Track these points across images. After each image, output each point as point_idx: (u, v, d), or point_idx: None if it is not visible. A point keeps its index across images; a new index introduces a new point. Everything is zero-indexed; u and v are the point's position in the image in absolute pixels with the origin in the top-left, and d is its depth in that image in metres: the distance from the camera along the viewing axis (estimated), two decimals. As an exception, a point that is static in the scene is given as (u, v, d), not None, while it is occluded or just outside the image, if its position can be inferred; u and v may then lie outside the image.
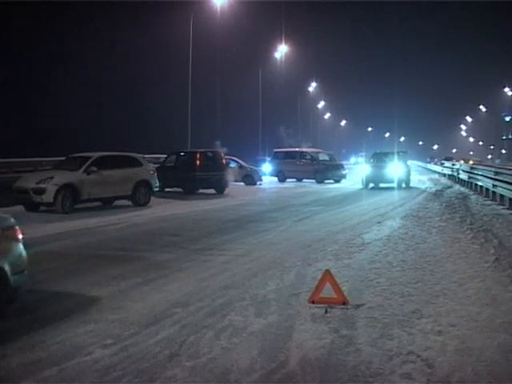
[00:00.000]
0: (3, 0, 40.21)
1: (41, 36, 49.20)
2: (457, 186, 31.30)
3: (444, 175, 43.76)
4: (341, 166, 39.53)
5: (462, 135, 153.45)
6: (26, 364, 5.56)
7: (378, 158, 33.58)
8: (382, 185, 31.45)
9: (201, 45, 43.28)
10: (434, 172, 54.41)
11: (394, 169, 31.03)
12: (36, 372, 5.36)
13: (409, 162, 46.33)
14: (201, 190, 27.21)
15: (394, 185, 30.42)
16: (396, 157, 33.08)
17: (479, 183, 25.58)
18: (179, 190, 27.03)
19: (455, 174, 36.18)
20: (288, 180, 38.13)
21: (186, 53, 40.82)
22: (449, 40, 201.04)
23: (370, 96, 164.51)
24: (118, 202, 20.78)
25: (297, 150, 41.60)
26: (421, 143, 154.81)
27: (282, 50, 65.29)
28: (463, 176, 31.70)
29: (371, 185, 31.35)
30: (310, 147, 45.23)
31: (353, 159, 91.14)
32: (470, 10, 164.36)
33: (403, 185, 30.96)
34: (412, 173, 37.84)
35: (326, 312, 6.86)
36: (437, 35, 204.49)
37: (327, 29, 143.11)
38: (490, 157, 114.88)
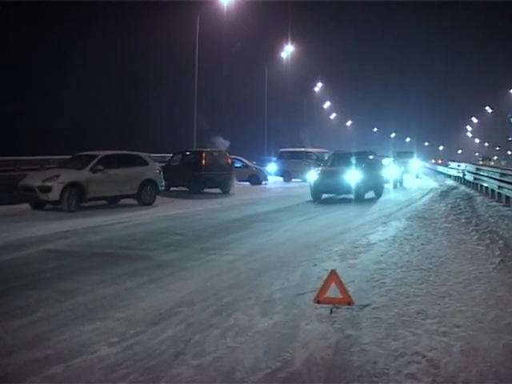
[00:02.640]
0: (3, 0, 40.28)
1: (46, 36, 49.32)
2: (462, 187, 31.24)
3: (450, 176, 43.71)
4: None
5: (467, 136, 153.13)
6: (32, 361, 5.59)
7: (335, 161, 25.65)
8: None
9: (207, 45, 43.29)
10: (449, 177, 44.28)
11: (352, 175, 22.43)
12: (42, 369, 5.37)
13: (414, 163, 46.51)
14: (206, 190, 27.21)
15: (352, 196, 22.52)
16: (360, 159, 24.42)
17: (485, 184, 25.54)
18: (185, 189, 27.04)
19: (461, 175, 36.11)
20: (293, 180, 38.08)
21: (192, 52, 40.84)
22: (455, 41, 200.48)
23: (376, 96, 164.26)
24: (123, 201, 20.81)
25: (302, 150, 41.57)
26: (427, 144, 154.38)
27: (288, 50, 65.32)
28: (469, 177, 31.64)
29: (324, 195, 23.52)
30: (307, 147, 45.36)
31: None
32: (476, 10, 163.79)
33: (372, 195, 24.21)
34: (410, 176, 38.15)
35: (331, 312, 6.86)
36: (443, 36, 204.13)
37: (333, 29, 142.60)
38: (495, 158, 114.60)
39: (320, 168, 25.04)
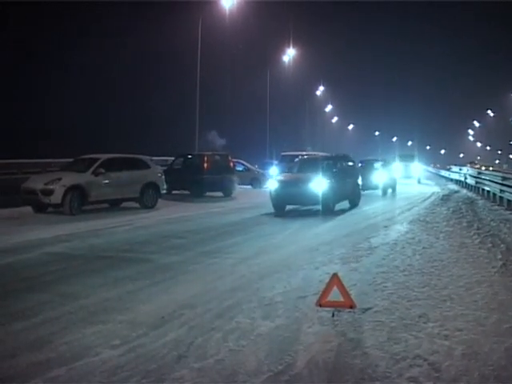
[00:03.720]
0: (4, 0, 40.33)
1: (47, 36, 49.39)
2: (464, 191, 31.23)
3: (451, 180, 43.72)
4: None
5: (469, 140, 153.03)
6: (34, 364, 5.60)
7: (302, 166, 21.83)
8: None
9: (209, 48, 43.33)
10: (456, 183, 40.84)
11: (319, 183, 19.09)
12: (44, 372, 5.39)
13: (415, 167, 45.26)
14: (208, 193, 27.21)
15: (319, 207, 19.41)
16: (330, 164, 21.44)
17: (486, 188, 25.55)
18: (187, 192, 27.04)
19: (462, 178, 36.12)
20: (295, 183, 37.99)
21: (194, 55, 40.88)
22: (457, 45, 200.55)
23: (378, 100, 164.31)
24: (125, 204, 20.82)
25: (304, 153, 41.55)
26: (428, 148, 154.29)
27: (289, 54, 65.34)
28: (470, 181, 31.64)
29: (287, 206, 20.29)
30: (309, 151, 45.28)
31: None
32: (478, 12, 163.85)
33: (345, 205, 21.36)
34: (411, 181, 37.17)
35: (333, 315, 6.87)
36: (445, 40, 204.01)
37: (334, 33, 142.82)
38: (497, 162, 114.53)
39: (282, 174, 21.69)
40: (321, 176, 19.29)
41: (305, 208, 20.51)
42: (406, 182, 39.06)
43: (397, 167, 41.80)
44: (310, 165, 21.30)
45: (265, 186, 34.55)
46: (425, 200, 25.35)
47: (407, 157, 47.20)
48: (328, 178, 19.41)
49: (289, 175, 21.00)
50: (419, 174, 44.70)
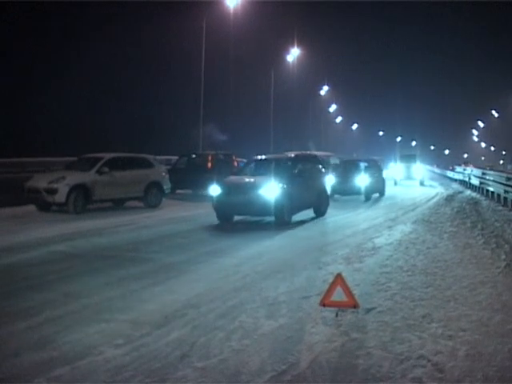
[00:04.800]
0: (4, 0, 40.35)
1: (51, 36, 49.47)
2: (468, 192, 31.17)
3: (455, 180, 43.61)
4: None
5: (473, 140, 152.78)
6: (37, 363, 5.61)
7: (254, 169, 18.88)
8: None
9: (213, 47, 43.33)
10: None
11: (271, 189, 15.78)
12: (48, 371, 5.40)
13: (416, 168, 40.92)
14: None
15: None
16: (289, 166, 18.01)
17: (491, 189, 25.51)
18: (191, 191, 27.02)
19: (466, 179, 36.05)
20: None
21: (198, 54, 40.91)
22: (461, 45, 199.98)
23: (382, 100, 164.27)
24: (129, 203, 20.84)
25: (308, 153, 41.50)
26: (432, 148, 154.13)
27: (294, 53, 65.33)
28: (474, 181, 31.59)
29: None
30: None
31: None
32: (480, 13, 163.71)
33: (308, 215, 18.00)
34: (413, 183, 35.94)
35: (336, 315, 6.86)
36: (450, 41, 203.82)
37: (339, 33, 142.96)
38: (501, 162, 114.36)
39: (229, 178, 17.88)
40: (273, 180, 15.99)
41: (256, 219, 17.18)
42: (408, 183, 37.89)
43: (398, 168, 41.24)
44: (264, 167, 18.21)
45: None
46: (415, 208, 21.40)
47: (409, 157, 43.74)
48: (284, 182, 16.13)
49: (236, 179, 17.38)
50: (422, 175, 41.24)
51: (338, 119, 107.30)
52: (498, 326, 6.66)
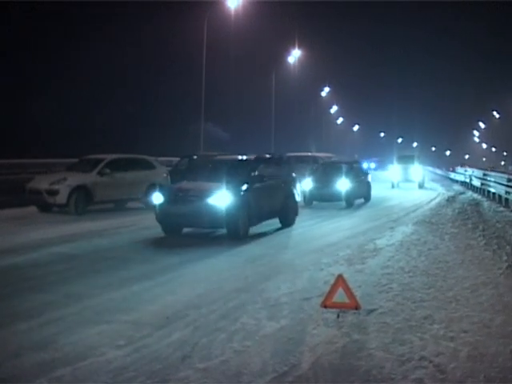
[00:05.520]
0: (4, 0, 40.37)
1: (51, 39, 49.47)
2: (469, 193, 31.15)
3: (456, 181, 43.49)
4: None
5: (474, 141, 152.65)
6: (39, 363, 5.61)
7: (202, 172, 16.43)
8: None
9: (214, 48, 43.36)
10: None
11: (222, 197, 13.49)
12: (49, 371, 5.40)
13: (415, 170, 37.65)
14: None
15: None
16: (246, 168, 15.54)
17: (492, 190, 25.50)
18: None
19: (468, 180, 36.02)
20: (300, 184, 37.84)
21: (199, 55, 40.92)
22: (462, 45, 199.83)
23: (383, 101, 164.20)
24: (130, 204, 20.84)
25: (309, 154, 41.51)
26: (433, 149, 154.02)
27: (295, 55, 65.33)
28: (476, 182, 31.58)
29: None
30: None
31: (365, 164, 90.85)
32: (481, 15, 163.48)
33: (272, 226, 15.63)
34: (411, 185, 34.49)
35: (338, 317, 6.86)
36: (449, 41, 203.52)
37: (340, 34, 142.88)
38: (502, 163, 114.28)
39: (176, 184, 15.89)
40: (226, 187, 13.60)
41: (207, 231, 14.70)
42: (406, 186, 35.85)
43: (395, 170, 38.68)
44: (219, 170, 15.28)
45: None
46: (404, 215, 19.12)
47: (406, 158, 40.28)
48: (240, 188, 13.96)
49: (183, 185, 14.90)
50: (421, 177, 37.84)
51: (339, 120, 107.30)
52: (499, 327, 6.65)
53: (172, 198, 14.00)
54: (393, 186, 36.48)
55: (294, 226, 15.99)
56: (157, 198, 14.11)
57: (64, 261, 10.74)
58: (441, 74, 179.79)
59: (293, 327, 6.67)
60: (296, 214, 16.73)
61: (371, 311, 7.22)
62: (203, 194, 13.59)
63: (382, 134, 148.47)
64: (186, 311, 7.35)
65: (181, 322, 6.93)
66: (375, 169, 70.46)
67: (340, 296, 6.79)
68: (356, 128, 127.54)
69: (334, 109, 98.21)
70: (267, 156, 17.63)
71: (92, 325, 6.79)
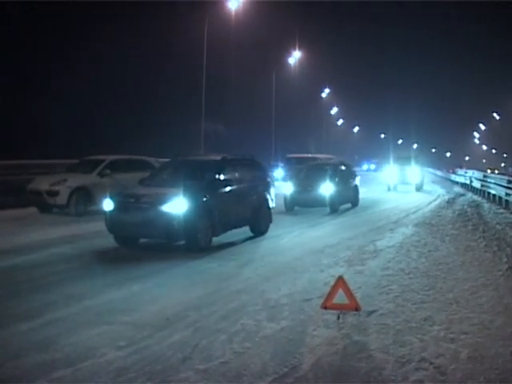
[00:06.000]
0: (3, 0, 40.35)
1: (52, 38, 49.44)
2: (469, 194, 31.13)
3: (457, 183, 43.41)
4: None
5: (474, 143, 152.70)
6: (39, 364, 5.62)
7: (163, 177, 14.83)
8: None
9: (214, 49, 43.39)
10: None
11: (176, 204, 12.00)
12: (50, 372, 5.41)
13: (412, 171, 35.42)
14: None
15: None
16: (208, 170, 13.95)
17: (492, 191, 25.50)
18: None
19: (468, 182, 36.01)
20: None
21: (199, 56, 40.95)
22: (462, 46, 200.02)
23: (383, 103, 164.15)
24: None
25: (309, 155, 41.53)
26: (434, 150, 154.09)
27: (295, 56, 65.40)
28: (476, 184, 31.58)
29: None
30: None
31: (365, 166, 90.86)
32: (482, 16, 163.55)
33: (241, 236, 14.21)
34: (408, 188, 33.21)
35: (338, 318, 6.85)
36: (450, 43, 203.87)
37: (341, 35, 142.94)
38: (503, 165, 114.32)
39: (128, 190, 14.40)
40: (183, 192, 12.10)
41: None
42: (403, 189, 34.22)
43: (391, 171, 36.49)
44: (180, 173, 13.96)
45: None
46: (395, 221, 17.52)
47: (403, 159, 37.99)
48: (201, 194, 12.60)
49: (137, 190, 13.52)
50: (418, 179, 35.60)
51: (340, 122, 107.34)
52: (499, 328, 6.66)
53: (122, 204, 12.53)
54: (389, 189, 34.64)
55: (267, 235, 14.59)
56: (107, 204, 12.73)
57: (64, 261, 10.75)
58: (441, 75, 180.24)
59: (293, 328, 6.68)
60: (270, 221, 15.29)
61: (371, 312, 7.23)
62: (157, 200, 12.12)
63: (383, 136, 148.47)
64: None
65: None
66: (375, 170, 70.54)
67: (340, 297, 6.79)
68: (356, 129, 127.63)
69: (334, 110, 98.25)
70: (238, 157, 15.70)
71: (93, 326, 6.80)
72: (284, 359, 5.71)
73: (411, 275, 9.49)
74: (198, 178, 13.48)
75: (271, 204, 15.60)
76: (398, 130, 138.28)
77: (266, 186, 15.63)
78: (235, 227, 13.89)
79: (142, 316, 7.24)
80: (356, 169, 46.07)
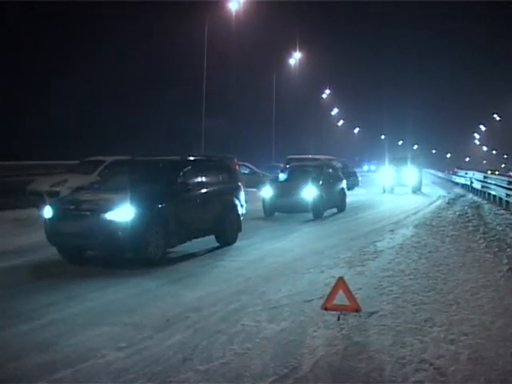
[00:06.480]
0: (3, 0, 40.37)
1: (52, 37, 49.43)
2: (470, 195, 31.13)
3: (457, 184, 43.38)
4: (353, 174, 39.14)
5: (475, 144, 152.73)
6: (40, 365, 5.63)
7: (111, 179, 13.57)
8: None
9: (214, 51, 43.41)
10: None
11: (122, 212, 10.45)
12: (50, 373, 5.41)
13: (408, 172, 34.05)
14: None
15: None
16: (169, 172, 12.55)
17: (492, 192, 25.50)
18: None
19: (468, 183, 36.02)
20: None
21: (200, 58, 40.98)
22: (463, 47, 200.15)
23: (384, 104, 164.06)
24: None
25: (310, 157, 41.53)
26: (434, 151, 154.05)
27: (296, 57, 65.38)
28: (476, 185, 31.58)
29: None
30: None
31: (365, 167, 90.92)
32: (483, 16, 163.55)
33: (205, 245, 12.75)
34: (404, 190, 32.31)
35: (338, 319, 6.86)
36: (451, 44, 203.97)
37: (341, 36, 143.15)
38: (503, 166, 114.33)
39: (67, 196, 13.40)
40: (130, 198, 10.58)
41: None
42: (400, 191, 33.19)
43: (386, 173, 35.30)
44: (131, 175, 12.43)
45: None
46: (378, 232, 15.04)
47: (399, 160, 36.32)
48: (150, 200, 11.09)
49: (80, 196, 12.07)
50: (415, 180, 34.07)
51: (340, 123, 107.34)
52: (500, 330, 6.65)
53: (62, 212, 11.04)
54: (384, 191, 33.64)
55: (235, 245, 13.12)
56: (46, 211, 11.21)
57: (65, 263, 10.77)
58: (441, 75, 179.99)
59: (293, 329, 6.68)
60: (239, 230, 13.70)
61: (372, 314, 7.22)
62: (99, 206, 10.59)
63: (383, 137, 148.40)
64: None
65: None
66: (375, 171, 70.56)
67: (341, 298, 6.79)
68: (356, 130, 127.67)
69: (334, 111, 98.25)
70: (202, 158, 14.26)
71: (93, 326, 6.81)
72: (284, 360, 5.71)
73: (411, 276, 9.48)
74: (153, 181, 11.88)
75: (241, 210, 14.03)
76: (399, 131, 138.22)
77: (236, 190, 14.12)
78: (196, 237, 12.30)
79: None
80: (356, 170, 46.38)
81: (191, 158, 13.43)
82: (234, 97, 56.39)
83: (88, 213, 10.55)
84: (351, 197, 28.14)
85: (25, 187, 18.97)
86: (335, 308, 6.89)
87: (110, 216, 10.32)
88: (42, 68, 47.13)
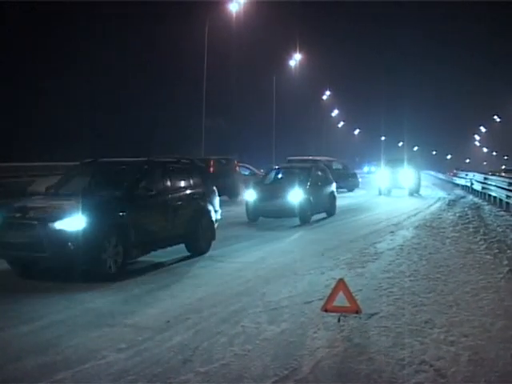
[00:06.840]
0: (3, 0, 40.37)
1: (54, 39, 49.43)
2: (470, 197, 31.11)
3: (457, 185, 43.35)
4: (354, 175, 39.21)
5: (475, 145, 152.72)
6: (40, 366, 5.62)
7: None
8: None
9: (214, 52, 43.43)
10: None
11: (71, 221, 9.40)
12: (50, 375, 5.41)
13: (404, 174, 32.98)
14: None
15: None
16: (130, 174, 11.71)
17: (493, 194, 25.49)
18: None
19: (468, 184, 36.01)
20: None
21: (200, 59, 40.98)
22: (463, 48, 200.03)
23: (384, 105, 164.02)
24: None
25: (310, 158, 41.52)
26: (434, 153, 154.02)
27: (296, 58, 65.39)
28: (477, 186, 31.57)
29: None
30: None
31: (366, 168, 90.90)
32: (483, 17, 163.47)
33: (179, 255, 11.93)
34: (400, 192, 31.32)
35: (338, 320, 6.86)
36: (451, 46, 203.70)
37: (341, 37, 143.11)
38: (503, 167, 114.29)
39: (15, 204, 10.70)
40: (82, 205, 9.50)
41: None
42: (396, 193, 32.27)
43: (382, 175, 34.57)
44: (91, 180, 11.67)
45: None
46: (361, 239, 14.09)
47: (395, 161, 35.54)
48: (106, 207, 10.15)
49: (28, 203, 10.61)
50: (412, 182, 32.82)
51: (340, 124, 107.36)
52: (500, 331, 6.65)
53: (7, 220, 9.86)
54: (380, 193, 32.77)
55: (208, 254, 12.13)
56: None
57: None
58: (441, 76, 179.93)
59: (293, 331, 6.68)
60: (212, 238, 12.69)
61: (372, 315, 7.22)
62: (47, 215, 9.55)
63: (383, 138, 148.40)
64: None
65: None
66: (375, 172, 70.59)
67: (341, 300, 6.79)
68: (357, 132, 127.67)
69: (334, 112, 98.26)
70: (170, 160, 12.95)
71: (93, 328, 6.81)
72: (284, 361, 5.71)
73: (412, 278, 9.48)
74: (114, 185, 11.07)
75: (215, 216, 13.03)
76: (399, 133, 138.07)
77: (209, 195, 13.07)
78: (162, 247, 11.29)
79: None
80: (357, 171, 46.35)
81: (156, 160, 12.50)
82: (234, 97, 56.44)
83: (35, 222, 9.49)
84: (350, 198, 28.31)
85: (25, 188, 18.95)
86: (335, 309, 6.88)
87: (59, 225, 9.32)
88: (42, 68, 47.10)
